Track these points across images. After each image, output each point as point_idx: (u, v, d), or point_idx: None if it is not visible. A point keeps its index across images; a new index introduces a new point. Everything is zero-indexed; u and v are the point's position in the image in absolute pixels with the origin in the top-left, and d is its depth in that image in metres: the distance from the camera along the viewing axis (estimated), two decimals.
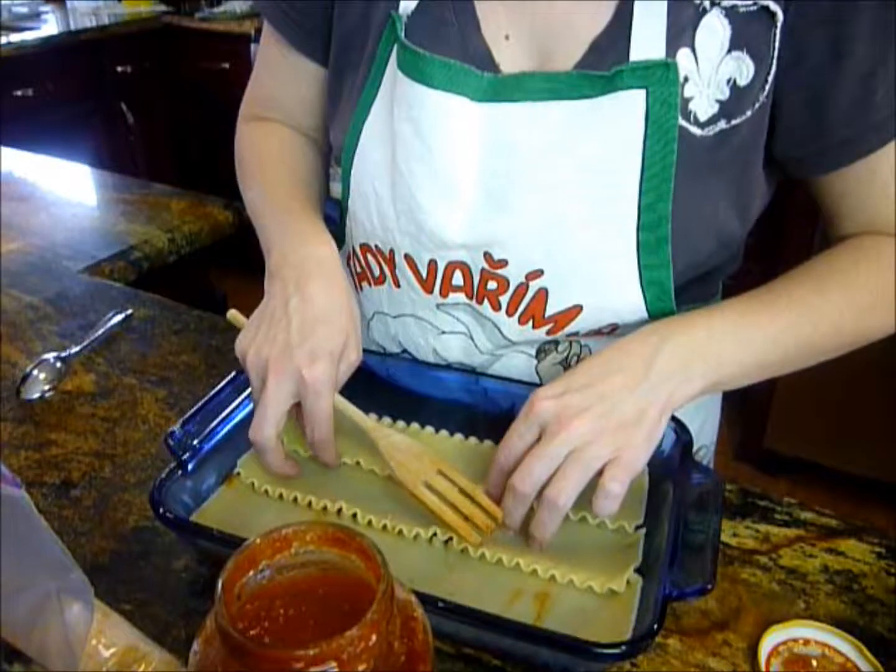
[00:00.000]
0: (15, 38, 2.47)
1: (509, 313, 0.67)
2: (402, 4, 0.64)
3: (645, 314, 0.64)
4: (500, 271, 0.65)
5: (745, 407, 2.14)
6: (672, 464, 0.61)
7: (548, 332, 0.67)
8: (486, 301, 0.67)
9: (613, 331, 0.68)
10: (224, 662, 0.36)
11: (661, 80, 0.57)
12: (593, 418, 0.54)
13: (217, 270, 1.52)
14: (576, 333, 0.67)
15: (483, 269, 0.66)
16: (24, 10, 2.82)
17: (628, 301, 0.63)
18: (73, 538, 0.63)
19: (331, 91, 0.73)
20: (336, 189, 0.75)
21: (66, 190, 1.35)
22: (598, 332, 0.68)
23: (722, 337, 0.59)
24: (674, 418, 0.63)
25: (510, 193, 0.62)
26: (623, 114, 0.58)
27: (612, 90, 0.58)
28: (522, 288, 0.65)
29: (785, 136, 0.62)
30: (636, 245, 0.61)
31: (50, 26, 2.67)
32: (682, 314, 0.61)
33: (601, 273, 0.63)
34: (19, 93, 2.46)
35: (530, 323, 0.67)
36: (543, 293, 0.65)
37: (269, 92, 0.81)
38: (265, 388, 0.59)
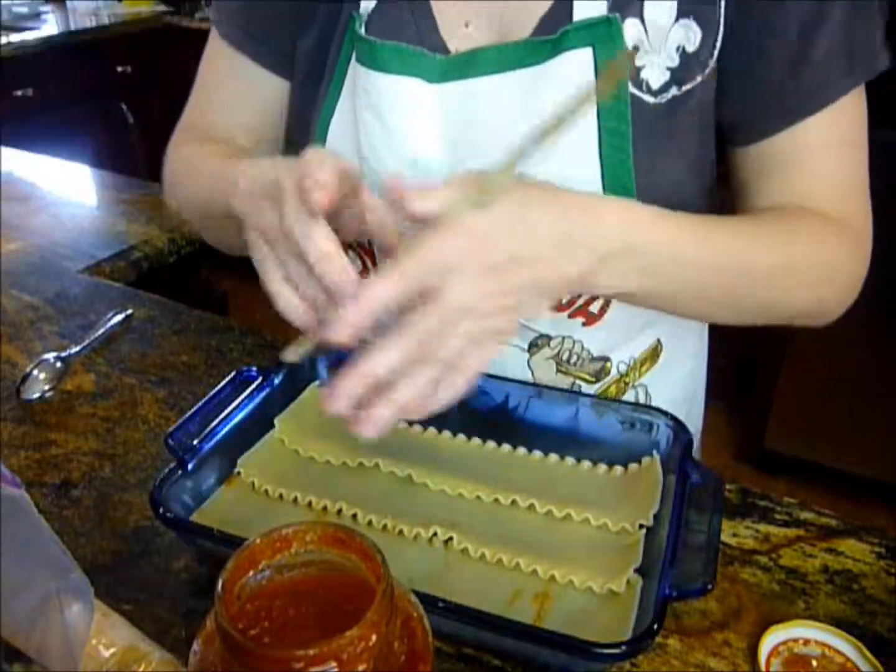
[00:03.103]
0: (15, 38, 2.47)
1: None
2: (361, 5, 0.65)
3: None
4: None
5: (745, 407, 2.14)
6: (672, 463, 0.61)
7: None
8: None
9: (602, 313, 0.68)
10: (224, 662, 0.37)
11: (605, 36, 0.58)
12: None
13: (217, 270, 1.52)
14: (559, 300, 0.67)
15: None
16: (24, 10, 2.82)
17: None
18: (73, 538, 0.63)
19: (299, 106, 0.73)
20: None
21: (66, 190, 1.35)
22: (588, 316, 0.68)
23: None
24: (673, 417, 0.64)
25: (475, 165, 0.63)
26: (573, 74, 0.59)
27: (560, 52, 0.59)
28: None
29: (726, 102, 0.63)
30: None
31: (50, 26, 2.67)
32: None
33: None
34: (19, 93, 2.46)
35: None
36: None
37: (214, 115, 0.79)
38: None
